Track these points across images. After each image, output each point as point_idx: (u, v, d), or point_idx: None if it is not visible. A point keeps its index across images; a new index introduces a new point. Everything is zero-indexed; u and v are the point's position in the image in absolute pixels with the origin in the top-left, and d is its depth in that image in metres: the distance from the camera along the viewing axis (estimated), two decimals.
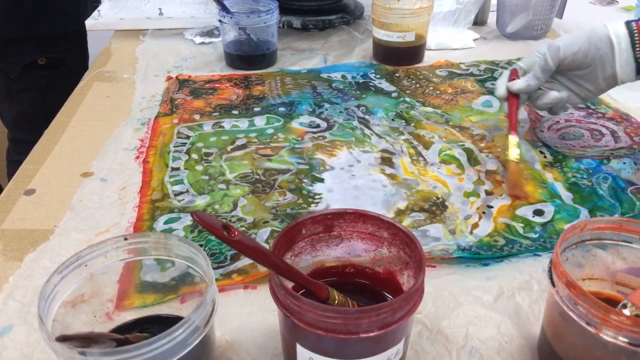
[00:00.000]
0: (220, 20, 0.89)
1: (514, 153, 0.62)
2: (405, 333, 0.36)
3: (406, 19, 0.89)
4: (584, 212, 0.56)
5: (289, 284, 0.37)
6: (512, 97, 0.66)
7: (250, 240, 0.33)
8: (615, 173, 0.63)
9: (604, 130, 0.72)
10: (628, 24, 0.58)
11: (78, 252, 0.37)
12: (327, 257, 0.42)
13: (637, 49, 0.57)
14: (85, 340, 0.30)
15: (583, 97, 0.64)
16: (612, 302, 0.40)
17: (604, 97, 0.81)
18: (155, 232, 0.53)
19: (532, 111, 0.77)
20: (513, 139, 0.64)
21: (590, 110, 0.77)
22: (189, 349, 0.33)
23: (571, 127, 0.73)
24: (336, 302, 0.37)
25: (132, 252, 0.40)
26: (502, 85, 0.66)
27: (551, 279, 0.36)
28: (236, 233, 0.32)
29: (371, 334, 0.32)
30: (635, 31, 0.57)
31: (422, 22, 0.91)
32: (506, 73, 0.67)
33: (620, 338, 0.32)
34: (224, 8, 0.88)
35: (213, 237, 0.53)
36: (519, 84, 0.64)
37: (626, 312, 0.36)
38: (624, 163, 0.64)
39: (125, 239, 0.38)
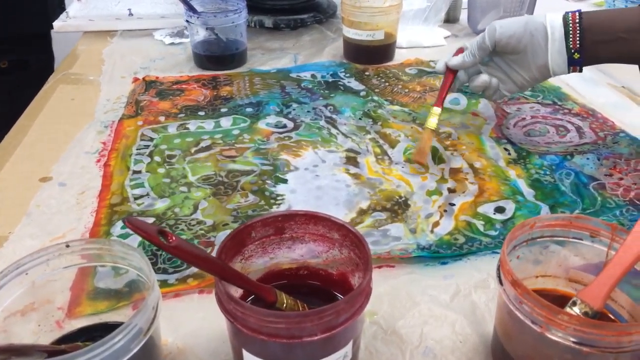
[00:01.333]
0: (187, 21, 0.88)
1: (432, 121, 0.65)
2: (353, 335, 0.35)
3: (375, 17, 0.89)
4: (544, 209, 0.56)
5: (240, 289, 0.37)
6: (449, 72, 0.67)
7: (189, 245, 0.32)
8: (578, 169, 0.63)
9: (569, 126, 0.72)
10: (566, 14, 0.58)
11: (17, 260, 0.36)
12: (280, 259, 0.41)
13: (570, 40, 0.57)
14: (9, 353, 0.29)
15: (518, 84, 0.64)
16: (566, 299, 0.40)
17: (571, 92, 0.81)
18: (108, 238, 0.52)
19: (499, 108, 0.77)
20: (436, 109, 0.65)
21: (557, 107, 0.77)
22: (130, 354, 0.32)
23: (537, 123, 0.73)
24: (285, 305, 0.36)
25: (85, 257, 0.40)
26: (442, 61, 0.68)
27: (499, 277, 0.36)
28: (173, 238, 0.31)
29: (315, 338, 0.32)
30: (570, 22, 0.57)
31: (391, 20, 0.91)
32: (452, 52, 0.68)
33: (564, 336, 0.32)
34: (190, 8, 0.87)
35: None
36: (455, 60, 0.66)
37: (576, 309, 0.36)
38: (587, 159, 0.65)
39: (67, 246, 0.37)
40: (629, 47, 0.56)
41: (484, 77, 0.65)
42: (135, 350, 0.33)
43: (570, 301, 0.37)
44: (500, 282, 0.36)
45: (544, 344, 0.33)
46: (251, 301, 0.38)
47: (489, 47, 0.62)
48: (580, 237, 0.39)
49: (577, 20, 0.57)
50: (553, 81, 0.84)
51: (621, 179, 0.61)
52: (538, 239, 0.40)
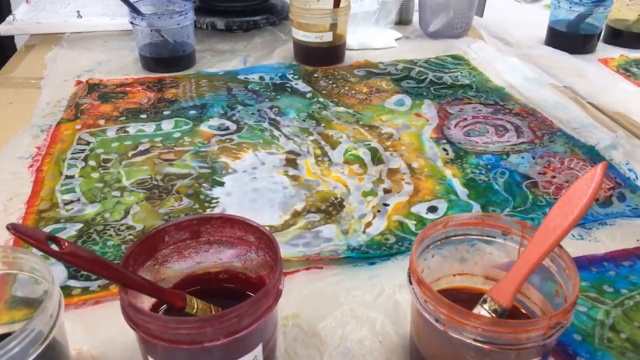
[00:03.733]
0: (131, 22, 0.87)
1: None
2: (262, 338, 0.35)
3: (324, 19, 0.89)
4: (476, 207, 0.57)
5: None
6: None
7: (85, 251, 0.32)
8: (513, 168, 0.64)
9: (509, 126, 0.73)
10: None
11: None
12: (198, 263, 0.41)
13: None
14: None
15: None
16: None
17: (513, 93, 0.83)
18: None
19: (442, 109, 0.77)
20: None
21: (499, 107, 0.78)
22: None
23: (477, 123, 0.74)
24: (195, 310, 0.36)
25: (5, 264, 0.38)
26: None
27: (409, 276, 0.36)
28: (66, 244, 0.30)
29: (217, 343, 0.32)
30: None
31: (340, 22, 0.91)
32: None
33: (466, 335, 0.32)
34: (134, 9, 0.86)
35: (97, 248, 0.51)
36: None
37: (486, 306, 0.37)
38: (523, 157, 0.66)
39: None
40: None
41: None
42: (34, 356, 0.32)
43: (481, 299, 0.37)
44: (410, 282, 0.36)
45: (448, 342, 0.34)
46: (165, 308, 0.38)
47: None
48: (493, 235, 0.40)
49: None
50: (496, 82, 0.86)
51: (554, 177, 0.62)
52: (453, 237, 0.40)
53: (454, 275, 0.42)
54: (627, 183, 0.61)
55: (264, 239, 0.38)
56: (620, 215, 0.56)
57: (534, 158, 0.66)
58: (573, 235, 0.53)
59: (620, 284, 0.48)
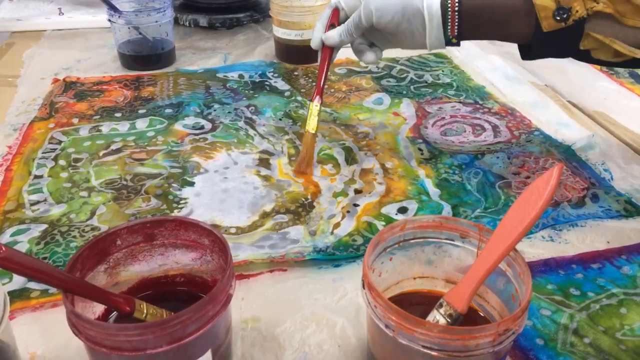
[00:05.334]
0: (109, 20, 0.86)
1: (312, 123, 0.61)
2: (211, 344, 0.34)
3: (305, 17, 0.88)
4: (446, 208, 0.56)
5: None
6: (327, 48, 0.62)
7: (23, 256, 0.31)
8: (487, 168, 0.63)
9: (486, 125, 0.73)
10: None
11: None
12: (154, 267, 0.40)
13: (449, 28, 0.55)
14: None
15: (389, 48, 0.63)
16: None
17: (493, 91, 0.82)
18: None
19: (420, 107, 0.77)
20: (314, 107, 0.61)
21: (478, 106, 0.78)
22: None
23: (455, 122, 0.73)
24: (144, 315, 0.35)
25: None
26: (318, 35, 0.63)
27: (362, 281, 0.35)
28: (3, 249, 0.30)
29: (160, 350, 0.31)
30: (449, 9, 0.54)
31: None
32: (326, 13, 0.63)
33: (414, 340, 0.32)
34: (111, 7, 0.85)
35: (59, 249, 0.50)
36: (332, 39, 0.61)
37: (442, 311, 0.36)
38: (497, 157, 0.65)
39: None
40: (506, 30, 0.55)
41: (370, 57, 0.62)
42: None
43: (437, 303, 0.37)
44: (363, 286, 0.35)
45: (398, 348, 0.33)
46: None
47: (366, 26, 0.58)
48: (452, 238, 0.39)
49: (457, 8, 0.54)
50: (477, 80, 0.85)
51: (528, 177, 0.62)
52: (412, 240, 0.39)
53: (415, 278, 0.41)
54: (601, 184, 0.61)
55: (217, 243, 0.37)
56: (592, 216, 0.55)
57: (509, 158, 0.65)
58: (543, 237, 0.53)
59: (587, 287, 0.47)
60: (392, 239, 0.38)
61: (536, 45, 0.54)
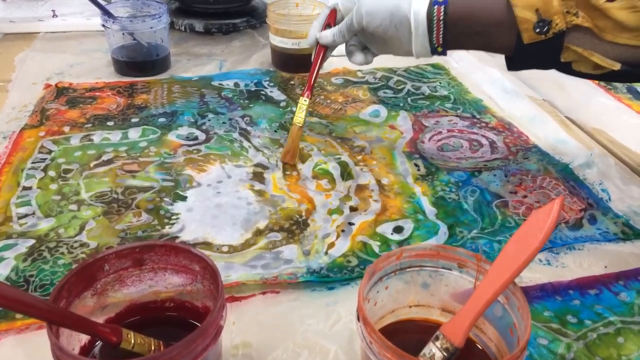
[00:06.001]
0: (104, 25, 0.84)
1: (299, 117, 0.65)
2: None
3: (302, 26, 0.87)
4: (442, 229, 0.56)
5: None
6: (320, 47, 0.66)
7: (2, 287, 0.30)
8: (484, 186, 0.63)
9: (483, 141, 0.72)
10: (431, 6, 0.56)
11: None
12: (142, 291, 0.39)
13: (434, 36, 0.57)
14: None
15: (379, 54, 0.64)
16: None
17: (491, 105, 0.81)
18: None
19: (417, 121, 0.76)
20: (304, 102, 0.65)
21: (475, 120, 0.77)
22: None
23: (452, 137, 0.72)
24: (132, 346, 0.34)
25: None
26: (313, 33, 0.66)
27: (357, 314, 0.34)
28: None
29: None
30: (435, 17, 0.56)
31: None
32: (324, 13, 0.66)
33: None
34: (105, 12, 0.84)
35: (46, 267, 0.49)
36: (326, 38, 0.64)
37: (438, 344, 0.35)
38: (495, 175, 0.64)
39: None
40: (490, 40, 0.56)
41: (359, 59, 0.64)
42: None
43: (434, 336, 0.36)
44: (358, 319, 0.34)
45: None
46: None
47: (357, 29, 0.61)
48: (449, 267, 0.38)
49: (442, 17, 0.56)
50: (475, 93, 0.84)
51: (525, 196, 0.61)
52: (407, 269, 0.39)
53: (410, 306, 0.40)
54: (599, 204, 0.60)
55: (208, 270, 0.36)
56: (589, 239, 0.55)
57: (506, 176, 0.64)
58: (540, 260, 0.52)
59: (585, 314, 0.46)
60: (388, 268, 0.37)
61: (518, 56, 0.55)
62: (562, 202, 0.34)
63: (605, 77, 0.54)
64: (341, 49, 0.94)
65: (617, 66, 0.51)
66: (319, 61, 0.66)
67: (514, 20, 0.53)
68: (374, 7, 0.58)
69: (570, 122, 0.78)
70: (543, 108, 0.81)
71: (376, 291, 0.38)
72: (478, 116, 0.78)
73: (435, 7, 0.56)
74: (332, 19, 0.65)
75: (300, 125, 0.65)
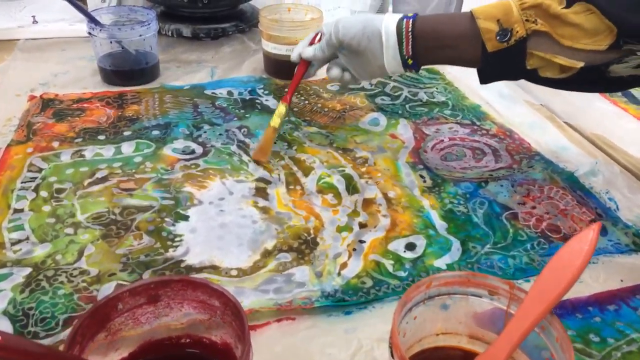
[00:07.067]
0: (90, 33, 0.81)
1: (275, 120, 0.67)
2: None
3: (295, 32, 0.85)
4: (455, 245, 0.54)
5: None
6: (303, 62, 0.70)
7: (21, 341, 0.27)
8: (492, 197, 0.62)
9: (486, 149, 0.71)
10: (401, 20, 0.59)
11: None
12: (158, 329, 0.37)
13: (403, 48, 0.59)
14: None
15: (363, 77, 0.68)
16: (468, 356, 0.38)
17: (489, 111, 0.80)
18: None
19: (418, 129, 0.75)
20: (282, 107, 0.68)
21: (475, 127, 0.76)
22: None
23: (454, 146, 0.71)
24: None
25: None
26: (297, 50, 0.70)
27: (390, 349, 0.33)
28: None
29: None
30: (404, 30, 0.59)
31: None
32: (311, 35, 0.70)
33: None
34: (92, 20, 0.80)
35: (46, 298, 0.46)
36: (307, 52, 0.68)
37: None
38: (501, 186, 0.63)
39: None
40: (458, 53, 0.58)
41: (335, 72, 0.68)
42: None
43: None
44: (392, 355, 0.33)
45: None
46: None
47: (336, 44, 0.64)
48: (479, 294, 0.37)
49: (410, 29, 0.59)
50: (473, 99, 0.84)
51: (534, 207, 0.60)
52: (436, 297, 0.37)
53: (437, 334, 0.39)
54: (608, 214, 0.60)
55: (230, 306, 0.34)
56: (603, 251, 0.54)
57: (512, 186, 0.63)
58: None
59: (607, 332, 0.46)
60: (417, 298, 0.36)
61: (486, 66, 0.58)
62: (600, 228, 0.33)
63: (570, 84, 0.56)
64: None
65: (580, 64, 0.52)
66: (300, 75, 0.71)
67: (478, 32, 0.55)
68: (349, 21, 0.63)
69: (570, 127, 0.77)
70: (541, 113, 0.81)
71: (405, 322, 0.36)
72: (478, 123, 0.77)
73: (404, 20, 0.60)
74: (317, 41, 0.69)
75: (276, 127, 0.67)
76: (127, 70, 0.84)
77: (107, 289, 0.47)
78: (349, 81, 0.69)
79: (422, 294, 0.36)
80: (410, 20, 0.59)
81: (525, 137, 0.74)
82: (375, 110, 0.79)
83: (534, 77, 0.57)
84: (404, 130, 0.75)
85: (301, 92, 0.84)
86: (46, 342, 0.42)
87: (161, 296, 0.36)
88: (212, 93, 0.82)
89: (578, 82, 0.55)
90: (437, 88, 0.86)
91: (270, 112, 0.77)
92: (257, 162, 0.65)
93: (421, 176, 0.65)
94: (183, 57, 0.94)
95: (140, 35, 0.82)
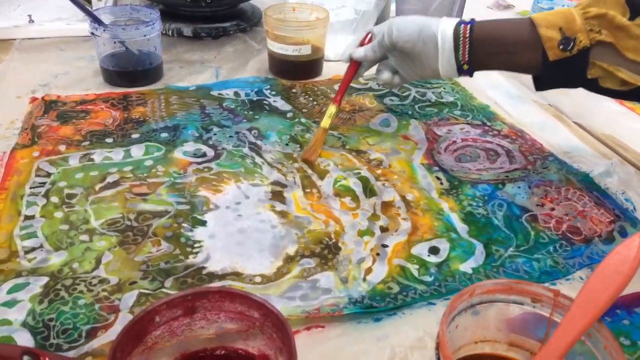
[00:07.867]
0: (92, 33, 0.79)
1: (326, 122, 0.68)
2: None
3: (301, 32, 0.84)
4: (479, 248, 0.54)
5: None
6: (353, 63, 0.70)
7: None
8: (510, 199, 0.61)
9: (500, 150, 0.71)
10: (458, 25, 0.59)
11: None
12: (192, 341, 0.36)
13: (460, 53, 0.59)
14: None
15: (413, 78, 0.67)
16: None
17: (499, 112, 0.80)
18: None
19: (430, 130, 0.74)
20: (332, 108, 0.69)
21: (487, 127, 0.76)
22: None
23: (467, 147, 0.71)
24: None
25: None
26: (348, 50, 0.71)
27: (438, 358, 0.32)
28: (46, 359, 0.25)
29: None
30: (461, 35, 0.58)
31: (318, 35, 0.86)
32: (361, 36, 0.70)
33: None
34: (95, 19, 0.78)
35: (66, 308, 0.45)
36: (358, 53, 0.68)
37: None
38: (519, 187, 0.63)
39: None
40: (516, 59, 0.58)
41: (385, 76, 0.67)
42: None
43: None
44: None
45: None
46: None
47: (388, 45, 0.63)
48: (521, 302, 0.37)
49: (468, 35, 0.58)
50: (481, 99, 0.83)
51: (553, 209, 0.60)
52: (477, 305, 0.37)
53: (476, 342, 0.38)
54: (626, 215, 0.60)
55: (271, 317, 0.33)
56: None
57: (530, 187, 0.63)
58: (581, 277, 0.51)
59: (636, 335, 0.46)
60: (460, 307, 0.35)
61: (545, 74, 0.57)
62: None
63: (631, 96, 0.55)
64: (341, 52, 0.92)
65: None
66: (351, 75, 0.70)
67: (538, 39, 0.55)
68: (404, 23, 0.62)
69: (580, 127, 0.77)
70: (550, 113, 0.81)
71: (448, 332, 0.35)
72: (489, 123, 0.77)
73: (462, 25, 0.59)
74: (367, 42, 0.69)
75: (326, 128, 0.68)
76: (130, 71, 0.82)
77: (129, 298, 0.46)
78: (398, 84, 0.68)
79: (465, 303, 0.36)
80: (468, 26, 0.58)
81: (537, 137, 0.74)
82: (384, 111, 0.79)
83: (594, 87, 0.56)
84: (416, 131, 0.74)
85: (308, 92, 0.83)
86: (70, 354, 0.41)
87: (198, 308, 0.35)
88: (219, 94, 0.81)
89: (638, 95, 0.54)
90: (444, 88, 0.86)
91: (279, 113, 0.76)
92: (306, 161, 0.65)
93: (438, 178, 0.64)
94: (185, 57, 0.93)
95: (145, 36, 0.80)
